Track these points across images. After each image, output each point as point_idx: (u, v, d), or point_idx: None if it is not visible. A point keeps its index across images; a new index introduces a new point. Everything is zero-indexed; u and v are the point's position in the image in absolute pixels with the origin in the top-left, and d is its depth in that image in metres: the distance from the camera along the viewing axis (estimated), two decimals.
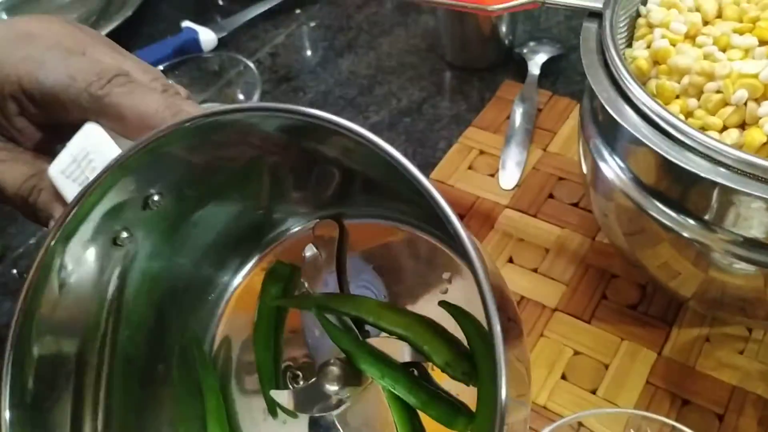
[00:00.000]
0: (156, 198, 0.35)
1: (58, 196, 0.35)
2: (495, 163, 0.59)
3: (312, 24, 0.77)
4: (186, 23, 0.75)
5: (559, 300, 0.49)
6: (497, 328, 0.24)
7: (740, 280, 0.39)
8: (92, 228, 0.34)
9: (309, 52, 0.75)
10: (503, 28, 0.66)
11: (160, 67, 0.65)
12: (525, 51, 0.67)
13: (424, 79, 0.68)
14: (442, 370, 0.35)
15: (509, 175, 0.58)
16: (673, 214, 0.39)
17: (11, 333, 0.33)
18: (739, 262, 0.38)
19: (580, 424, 0.42)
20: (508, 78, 0.67)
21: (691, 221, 0.38)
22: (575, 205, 0.55)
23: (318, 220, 0.40)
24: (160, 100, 0.35)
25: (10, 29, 0.37)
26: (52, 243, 0.32)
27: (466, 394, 0.35)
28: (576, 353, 0.46)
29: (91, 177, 0.33)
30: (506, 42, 0.68)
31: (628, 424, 0.41)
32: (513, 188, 0.57)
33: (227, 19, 0.77)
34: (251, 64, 0.65)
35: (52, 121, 0.37)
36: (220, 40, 0.75)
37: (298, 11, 0.78)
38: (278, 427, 0.39)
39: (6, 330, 0.53)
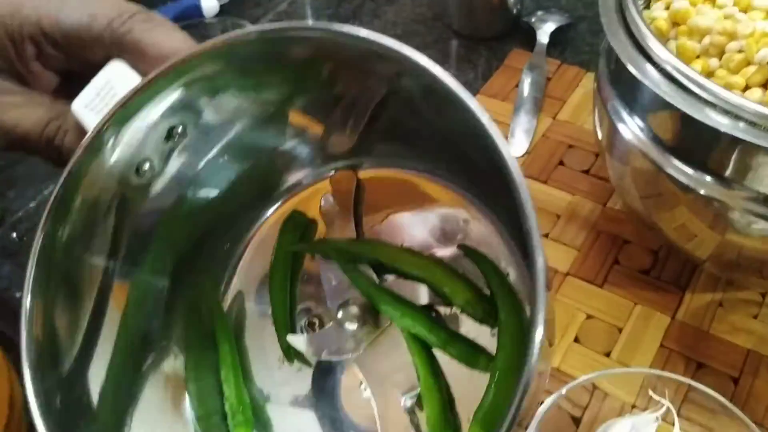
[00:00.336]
0: (179, 129, 0.35)
1: (85, 133, 0.35)
2: (504, 131, 0.58)
3: None
4: None
5: (571, 265, 0.49)
6: (540, 258, 0.24)
7: (757, 241, 0.39)
8: (115, 157, 0.33)
9: (313, 20, 0.74)
10: None
11: None
12: (533, 20, 0.67)
13: (430, 48, 0.68)
14: (462, 310, 0.36)
15: (518, 142, 0.57)
16: (692, 173, 0.38)
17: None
18: (758, 220, 0.38)
19: (594, 385, 0.42)
20: (516, 47, 0.66)
21: (711, 179, 0.38)
22: (586, 172, 0.55)
23: (334, 171, 0.40)
24: (181, 37, 0.34)
25: None
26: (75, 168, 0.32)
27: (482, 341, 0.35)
28: (589, 317, 0.46)
29: (112, 104, 0.32)
30: (514, 11, 0.67)
31: (643, 385, 0.41)
32: (523, 155, 0.56)
33: None
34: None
35: (71, 64, 0.36)
36: (221, 6, 0.73)
37: None
38: (292, 374, 0.39)
39: (6, 292, 0.52)
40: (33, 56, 0.36)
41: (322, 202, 0.41)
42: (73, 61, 0.36)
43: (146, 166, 0.35)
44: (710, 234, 0.41)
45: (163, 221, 0.37)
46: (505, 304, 0.35)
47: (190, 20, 0.69)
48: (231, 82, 0.34)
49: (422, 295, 0.37)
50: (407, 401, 0.37)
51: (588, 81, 0.62)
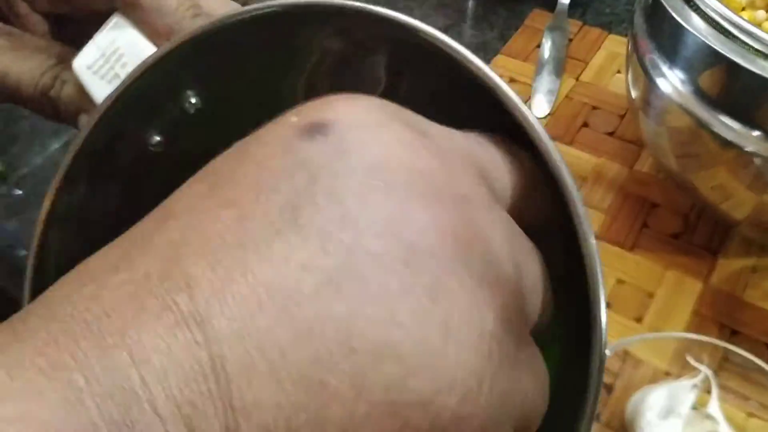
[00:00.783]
0: (193, 101, 0.33)
1: (85, 93, 0.32)
2: (526, 91, 0.56)
3: None
4: None
5: (599, 228, 0.47)
6: (586, 224, 0.22)
7: None
8: (125, 129, 0.30)
9: None
10: None
11: None
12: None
13: (447, 7, 0.65)
14: None
15: (541, 103, 0.55)
16: (737, 127, 0.37)
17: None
18: None
19: (626, 352, 0.41)
20: (536, 7, 0.64)
21: (756, 133, 0.36)
22: (611, 134, 0.53)
23: None
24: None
25: None
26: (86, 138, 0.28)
27: None
28: (619, 281, 0.44)
29: (123, 74, 0.30)
30: None
31: (677, 350, 0.39)
32: (546, 116, 0.55)
33: None
34: None
35: (62, 8, 0.33)
36: None
37: None
38: None
39: (10, 250, 0.51)
40: None
41: None
42: (66, 4, 0.33)
43: (157, 138, 0.33)
44: (748, 195, 0.39)
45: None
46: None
47: None
48: (246, 57, 0.32)
49: None
50: None
51: (611, 43, 0.60)
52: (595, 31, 0.61)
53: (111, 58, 0.32)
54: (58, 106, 0.33)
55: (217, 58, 0.31)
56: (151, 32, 0.32)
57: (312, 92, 0.35)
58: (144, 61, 0.29)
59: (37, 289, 0.29)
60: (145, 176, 0.33)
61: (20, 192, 0.54)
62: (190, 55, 0.30)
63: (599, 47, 0.60)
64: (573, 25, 0.62)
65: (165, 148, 0.32)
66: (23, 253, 0.50)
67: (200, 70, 0.31)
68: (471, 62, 0.24)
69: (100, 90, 0.31)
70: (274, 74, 0.34)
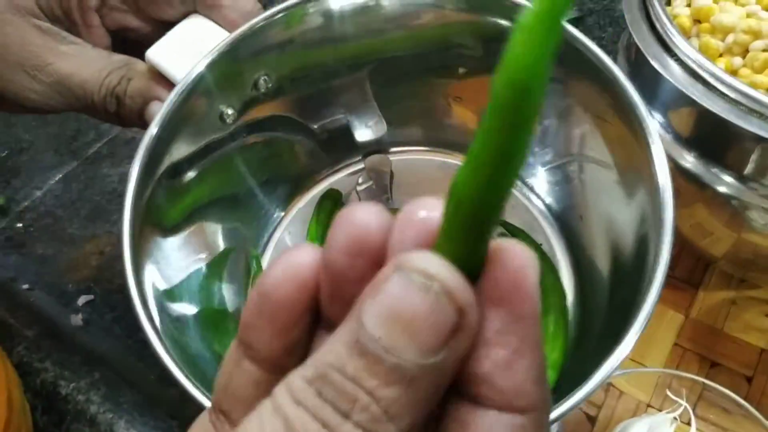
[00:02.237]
0: (263, 81, 0.38)
1: (159, 80, 0.35)
2: None
3: None
4: None
5: None
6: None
7: None
8: (205, 102, 0.36)
9: None
10: None
11: None
12: None
13: None
14: None
15: None
16: (712, 171, 0.38)
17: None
18: None
19: (610, 384, 0.42)
20: None
21: (729, 177, 0.38)
22: None
23: (366, 156, 0.44)
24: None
25: None
26: (172, 105, 0.34)
27: None
28: None
29: (204, 52, 0.35)
30: None
31: (658, 384, 0.41)
32: None
33: None
34: None
35: (131, 22, 0.37)
36: None
37: None
38: None
39: (11, 284, 0.52)
40: (94, 7, 0.36)
41: (359, 180, 0.45)
42: (136, 15, 0.37)
43: (229, 111, 0.37)
44: (726, 232, 0.41)
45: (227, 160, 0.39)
46: (545, 270, 0.40)
47: None
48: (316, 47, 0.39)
49: None
50: None
51: None
52: None
53: (191, 43, 0.36)
54: (123, 101, 0.36)
55: (293, 48, 0.38)
56: (227, 26, 0.37)
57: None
58: (223, 38, 0.35)
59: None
60: (216, 144, 0.38)
61: (21, 225, 0.56)
62: (264, 40, 0.36)
63: None
64: None
65: (235, 126, 0.38)
66: (25, 286, 0.51)
67: (275, 55, 0.37)
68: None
69: (181, 69, 0.35)
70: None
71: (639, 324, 0.28)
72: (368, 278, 0.14)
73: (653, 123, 0.33)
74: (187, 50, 0.35)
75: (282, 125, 0.42)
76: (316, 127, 0.43)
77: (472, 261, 0.15)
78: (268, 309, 0.16)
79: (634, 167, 0.35)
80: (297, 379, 0.14)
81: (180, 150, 0.35)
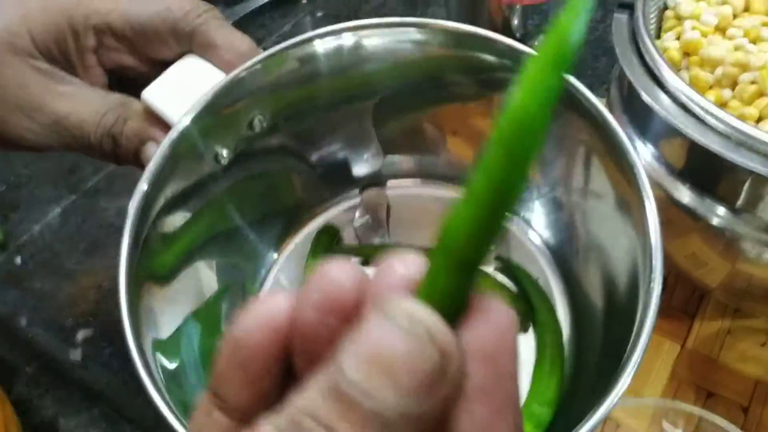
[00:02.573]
0: (258, 120, 0.39)
1: (154, 121, 0.36)
2: None
3: (318, 14, 0.77)
4: None
5: None
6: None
7: None
8: (200, 144, 0.36)
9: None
10: (515, 22, 0.66)
11: None
12: (536, 44, 0.67)
13: None
14: None
15: None
16: (704, 202, 0.39)
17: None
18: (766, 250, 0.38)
19: (607, 416, 0.42)
20: None
21: (722, 208, 0.38)
22: None
23: (364, 189, 0.45)
24: (249, 39, 0.38)
25: None
26: (166, 151, 0.34)
27: None
28: None
29: (198, 94, 0.35)
30: (517, 35, 0.67)
31: (655, 415, 0.41)
32: None
33: (235, 7, 0.76)
34: (261, 49, 0.65)
35: (127, 61, 0.38)
36: None
37: (304, 1, 0.78)
38: None
39: (11, 319, 0.52)
40: (92, 48, 0.37)
41: (356, 215, 0.45)
42: (133, 55, 0.37)
43: (224, 152, 0.38)
44: (720, 262, 0.41)
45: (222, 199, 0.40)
46: (541, 306, 0.41)
47: None
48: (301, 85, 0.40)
49: None
50: None
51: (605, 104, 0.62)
52: None
53: (187, 84, 0.36)
54: (120, 141, 0.36)
55: (287, 87, 0.39)
56: (222, 66, 0.37)
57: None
58: (222, 80, 0.35)
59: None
60: (210, 184, 0.38)
61: (19, 260, 0.56)
62: (260, 81, 0.37)
63: None
64: None
65: (229, 163, 0.38)
66: (24, 322, 0.51)
67: (268, 95, 0.38)
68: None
69: (176, 110, 0.35)
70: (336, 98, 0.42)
71: (633, 362, 0.28)
72: (339, 337, 0.14)
73: (641, 161, 0.34)
74: (182, 91, 0.36)
75: (278, 157, 0.43)
76: (313, 159, 0.44)
77: (455, 306, 0.15)
78: (238, 357, 0.15)
79: (625, 202, 0.35)
80: (268, 427, 0.14)
81: (174, 192, 0.36)
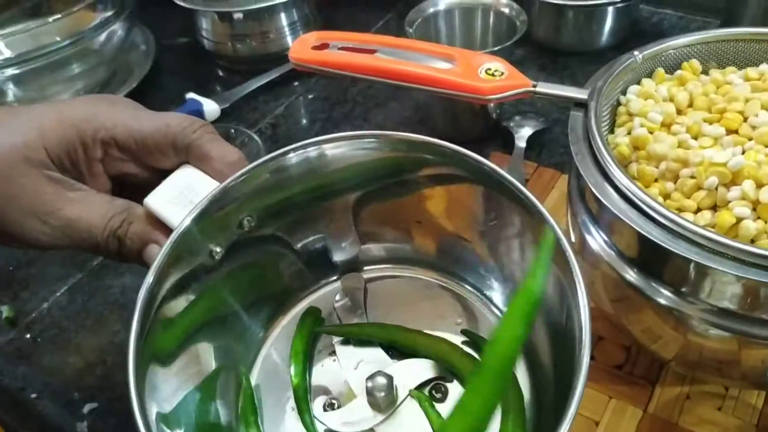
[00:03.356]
0: (247, 220, 0.44)
1: (155, 224, 0.41)
2: None
3: (310, 96, 0.82)
4: (190, 95, 0.79)
5: None
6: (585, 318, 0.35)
7: (716, 344, 0.43)
8: (197, 241, 0.41)
9: (307, 123, 0.79)
10: (491, 104, 0.71)
11: None
12: (512, 124, 0.72)
13: None
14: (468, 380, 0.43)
15: None
16: (653, 285, 0.43)
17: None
18: (714, 329, 0.42)
19: None
20: (496, 149, 0.72)
21: (669, 292, 0.42)
22: None
23: (343, 275, 0.50)
24: (238, 151, 0.42)
25: (96, 97, 0.44)
26: (168, 250, 0.39)
27: None
28: None
29: (196, 201, 0.40)
30: (494, 116, 0.73)
31: None
32: None
33: (229, 90, 0.81)
34: (255, 136, 0.70)
35: (130, 169, 0.43)
36: (222, 110, 0.79)
37: (296, 83, 0.83)
38: None
39: (21, 393, 0.56)
40: (99, 159, 0.41)
41: (337, 297, 0.51)
42: (135, 164, 0.43)
43: (218, 249, 0.43)
44: (673, 336, 0.45)
45: (215, 287, 0.44)
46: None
47: None
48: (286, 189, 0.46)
49: (429, 370, 0.47)
50: None
51: (563, 182, 0.67)
52: (549, 172, 0.68)
53: (185, 191, 0.41)
54: (124, 242, 0.41)
55: (270, 191, 0.44)
56: (215, 175, 0.42)
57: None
58: (216, 188, 0.41)
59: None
60: (206, 276, 0.43)
61: (29, 336, 0.60)
62: (247, 188, 0.42)
63: (553, 187, 0.67)
64: (528, 166, 0.69)
65: (222, 257, 0.43)
66: (33, 395, 0.55)
67: (255, 198, 0.44)
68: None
69: (178, 215, 0.40)
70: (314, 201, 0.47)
71: (569, 415, 0.32)
72: None
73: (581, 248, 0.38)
74: (180, 198, 0.40)
75: (266, 249, 0.47)
76: (297, 248, 0.49)
77: None
78: None
79: (562, 283, 0.40)
80: None
81: (175, 284, 0.40)
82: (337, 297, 0.51)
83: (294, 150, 0.44)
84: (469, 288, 0.51)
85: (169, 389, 0.38)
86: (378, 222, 0.50)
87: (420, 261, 0.52)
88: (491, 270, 0.50)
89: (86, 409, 0.54)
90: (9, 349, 0.59)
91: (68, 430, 0.53)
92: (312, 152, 0.45)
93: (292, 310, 0.50)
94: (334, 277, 0.52)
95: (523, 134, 0.71)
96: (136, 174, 0.43)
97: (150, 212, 0.41)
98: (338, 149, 0.45)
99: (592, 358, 0.52)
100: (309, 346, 0.48)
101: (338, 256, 0.50)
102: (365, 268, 0.52)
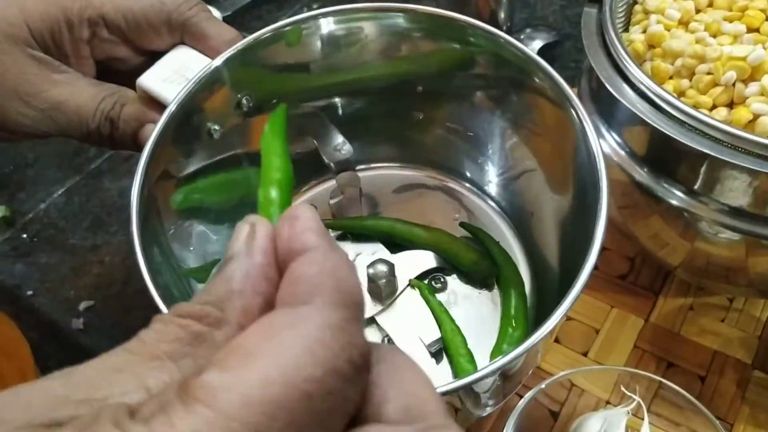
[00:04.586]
0: (245, 101, 0.43)
1: (150, 104, 0.39)
2: None
3: (315, 6, 0.79)
4: None
5: None
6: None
7: (724, 249, 0.42)
8: (195, 120, 0.41)
9: None
10: (501, 15, 0.69)
11: None
12: (522, 37, 0.70)
13: None
14: (469, 269, 0.46)
15: None
16: (665, 186, 0.42)
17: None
18: (724, 230, 0.41)
19: (572, 382, 0.45)
20: None
21: (680, 191, 0.41)
22: None
23: (338, 173, 0.48)
24: (234, 29, 0.41)
25: None
26: (164, 126, 0.38)
27: None
28: (568, 319, 0.49)
29: (191, 77, 0.39)
30: (504, 28, 0.70)
31: (617, 382, 0.44)
32: None
33: None
34: None
35: (120, 52, 0.40)
36: (224, 18, 0.76)
37: None
38: None
39: (18, 290, 0.55)
40: (85, 39, 0.39)
41: (331, 194, 0.50)
42: (126, 46, 0.40)
43: (216, 127, 0.42)
44: (681, 242, 0.44)
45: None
46: (505, 263, 0.46)
47: None
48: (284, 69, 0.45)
49: (429, 260, 0.47)
50: (432, 348, 0.44)
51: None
52: None
53: (180, 70, 0.40)
54: (117, 125, 0.39)
55: (263, 68, 0.43)
56: (211, 54, 0.40)
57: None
58: (209, 64, 0.40)
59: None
60: (204, 154, 0.42)
61: (26, 236, 0.59)
62: (241, 66, 0.41)
63: None
64: None
65: (220, 135, 0.43)
66: (29, 293, 0.54)
67: (253, 78, 0.42)
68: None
69: (171, 93, 0.39)
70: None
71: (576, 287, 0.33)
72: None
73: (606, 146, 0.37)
74: (175, 76, 0.39)
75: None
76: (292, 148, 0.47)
77: None
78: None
79: (576, 167, 0.40)
80: None
81: (172, 160, 0.39)
82: (332, 194, 0.50)
83: (297, 23, 0.42)
84: (466, 184, 0.52)
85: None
86: (376, 118, 0.49)
87: (416, 158, 0.52)
88: (492, 167, 0.50)
89: (82, 306, 0.53)
90: (5, 248, 0.58)
91: (64, 327, 0.52)
92: (317, 26, 0.44)
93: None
94: (328, 176, 0.51)
95: (533, 47, 0.69)
96: (124, 58, 0.41)
97: (144, 92, 0.39)
98: (359, 23, 0.44)
99: (595, 267, 0.52)
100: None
101: (330, 158, 0.48)
102: (359, 167, 0.50)
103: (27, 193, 0.62)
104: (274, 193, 0.21)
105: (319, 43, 0.44)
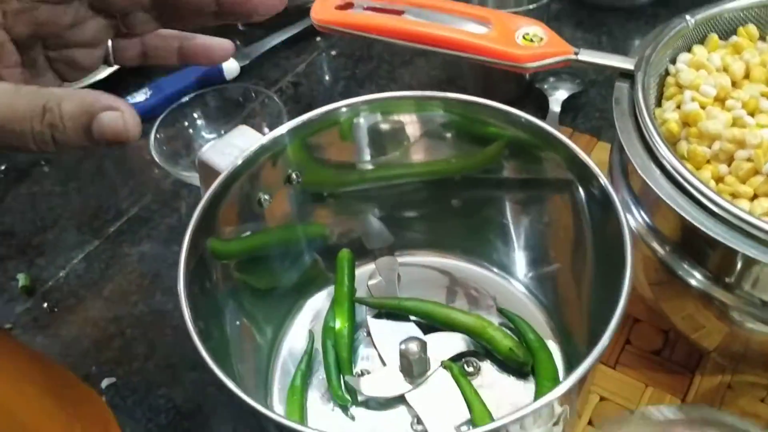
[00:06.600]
0: (295, 176, 0.47)
1: (210, 176, 0.43)
2: None
3: (333, 53, 0.78)
4: None
5: None
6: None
7: (762, 338, 0.41)
8: (243, 188, 0.44)
9: (330, 81, 0.76)
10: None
11: (186, 98, 0.66)
12: (545, 87, 0.68)
13: None
14: (505, 356, 0.46)
15: None
16: (695, 273, 0.40)
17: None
18: (757, 323, 0.39)
19: None
20: (528, 112, 0.68)
21: (711, 281, 0.40)
22: None
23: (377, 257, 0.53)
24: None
25: None
26: (218, 185, 0.42)
27: None
28: (602, 399, 0.47)
29: (246, 152, 0.43)
30: (527, 76, 0.69)
31: None
32: None
33: (249, 47, 0.77)
34: (274, 96, 0.66)
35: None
36: (242, 68, 0.75)
37: (318, 39, 0.79)
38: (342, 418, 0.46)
39: None
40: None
41: (369, 276, 0.53)
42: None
43: (266, 197, 0.45)
44: (717, 326, 0.42)
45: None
46: (540, 350, 0.46)
47: (212, 81, 0.72)
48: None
49: (462, 343, 0.47)
50: (460, 430, 0.44)
51: (599, 150, 0.64)
52: (585, 138, 0.65)
53: (235, 147, 0.44)
54: (57, 126, 0.31)
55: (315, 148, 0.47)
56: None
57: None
58: (261, 139, 0.44)
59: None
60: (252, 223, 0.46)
61: (46, 306, 0.58)
62: (295, 143, 0.45)
63: (589, 154, 0.63)
64: (564, 131, 0.65)
65: (269, 205, 0.46)
66: None
67: (301, 157, 0.46)
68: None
69: (225, 162, 0.43)
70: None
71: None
72: None
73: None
74: (230, 149, 0.43)
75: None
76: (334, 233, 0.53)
77: None
78: None
79: (604, 247, 0.41)
80: None
81: (223, 223, 0.43)
82: (370, 275, 0.52)
83: (348, 106, 0.46)
84: (495, 269, 0.53)
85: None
86: (415, 210, 0.53)
87: (451, 244, 0.54)
88: (517, 245, 0.52)
89: (104, 383, 0.52)
90: (26, 319, 0.57)
91: None
92: (358, 122, 0.47)
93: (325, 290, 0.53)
94: (369, 259, 0.53)
95: (557, 97, 0.67)
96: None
97: (203, 163, 0.44)
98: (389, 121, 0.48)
99: (627, 342, 0.50)
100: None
101: (372, 244, 0.51)
102: (396, 252, 0.54)
103: (46, 259, 0.61)
104: None
105: (366, 140, 0.48)
